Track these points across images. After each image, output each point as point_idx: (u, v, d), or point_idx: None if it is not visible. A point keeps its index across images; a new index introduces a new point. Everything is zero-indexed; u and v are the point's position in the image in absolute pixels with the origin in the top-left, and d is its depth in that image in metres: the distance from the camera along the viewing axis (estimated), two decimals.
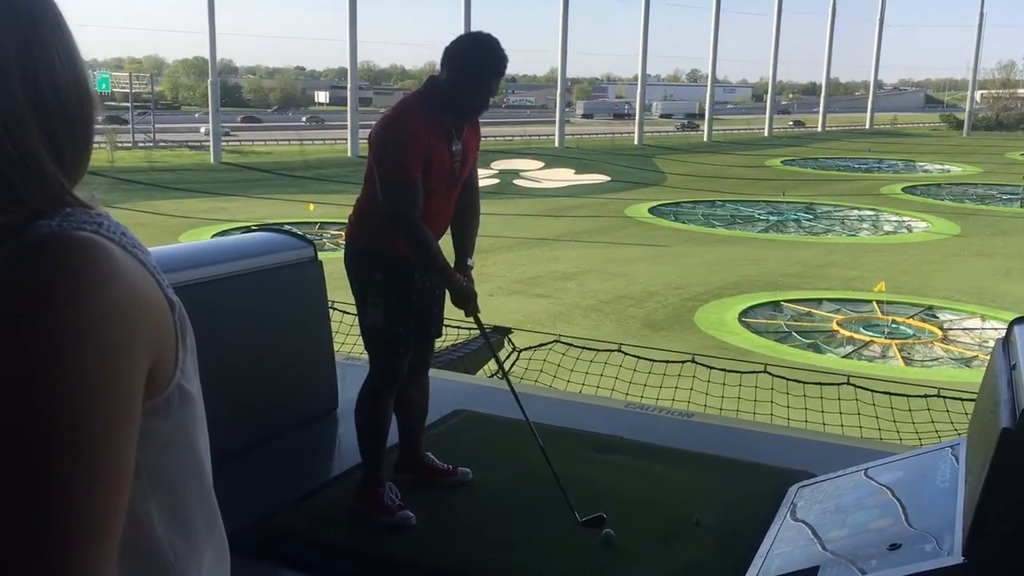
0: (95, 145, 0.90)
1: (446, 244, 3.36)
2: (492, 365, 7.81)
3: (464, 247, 3.49)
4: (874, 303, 19.05)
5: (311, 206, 29.21)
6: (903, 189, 40.34)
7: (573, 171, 44.42)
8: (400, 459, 3.66)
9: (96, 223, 0.81)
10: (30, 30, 0.79)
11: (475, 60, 3.20)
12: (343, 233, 3.50)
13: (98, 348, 0.74)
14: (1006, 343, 2.82)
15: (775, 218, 32.37)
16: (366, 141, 3.49)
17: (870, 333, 17.18)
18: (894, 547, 2.49)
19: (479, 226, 3.56)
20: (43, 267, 0.74)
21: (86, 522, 0.72)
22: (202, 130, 53.04)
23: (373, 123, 3.47)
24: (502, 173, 41.80)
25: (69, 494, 0.71)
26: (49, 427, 0.71)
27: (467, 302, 3.36)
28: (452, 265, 3.34)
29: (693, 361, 7.14)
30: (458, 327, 7.70)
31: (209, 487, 0.94)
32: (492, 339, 7.81)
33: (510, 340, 8.02)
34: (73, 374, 0.72)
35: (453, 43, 3.25)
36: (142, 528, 0.83)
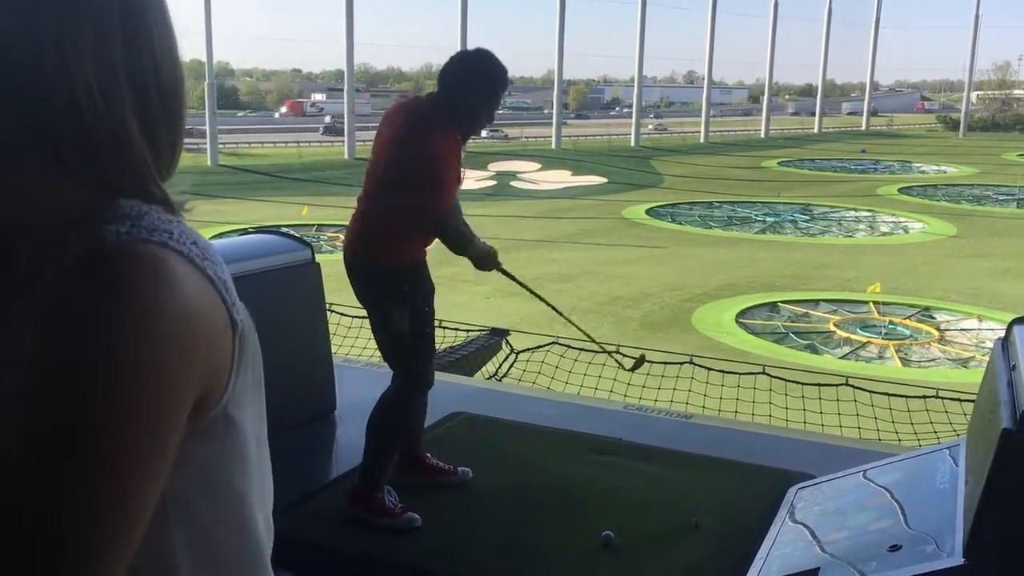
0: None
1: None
2: (490, 367, 7.79)
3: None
4: (871, 304, 19.06)
5: (306, 210, 29.19)
6: (899, 190, 40.37)
7: (570, 173, 44.43)
8: (400, 461, 3.65)
9: (167, 231, 0.76)
10: (138, 5, 0.79)
11: (481, 81, 3.25)
12: (342, 239, 3.53)
13: (142, 380, 0.69)
14: (1005, 343, 2.81)
15: (772, 219, 32.39)
16: (365, 144, 3.52)
17: (867, 334, 17.19)
18: (894, 548, 2.49)
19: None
20: (97, 287, 0.70)
21: (96, 550, 0.69)
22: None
23: (371, 125, 3.48)
24: (499, 175, 41.80)
25: (84, 523, 0.68)
26: (74, 453, 0.67)
27: (491, 262, 3.54)
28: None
29: (691, 362, 7.13)
30: (456, 329, 7.69)
31: (251, 535, 0.86)
32: (485, 343, 7.78)
33: (508, 342, 8.00)
34: (111, 404, 0.68)
35: (455, 64, 3.27)
36: (162, 563, 0.78)
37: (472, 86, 3.22)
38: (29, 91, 0.73)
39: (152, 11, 0.80)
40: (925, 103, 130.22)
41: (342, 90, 50.00)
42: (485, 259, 3.53)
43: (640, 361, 4.51)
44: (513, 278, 3.90)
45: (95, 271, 0.71)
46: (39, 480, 0.68)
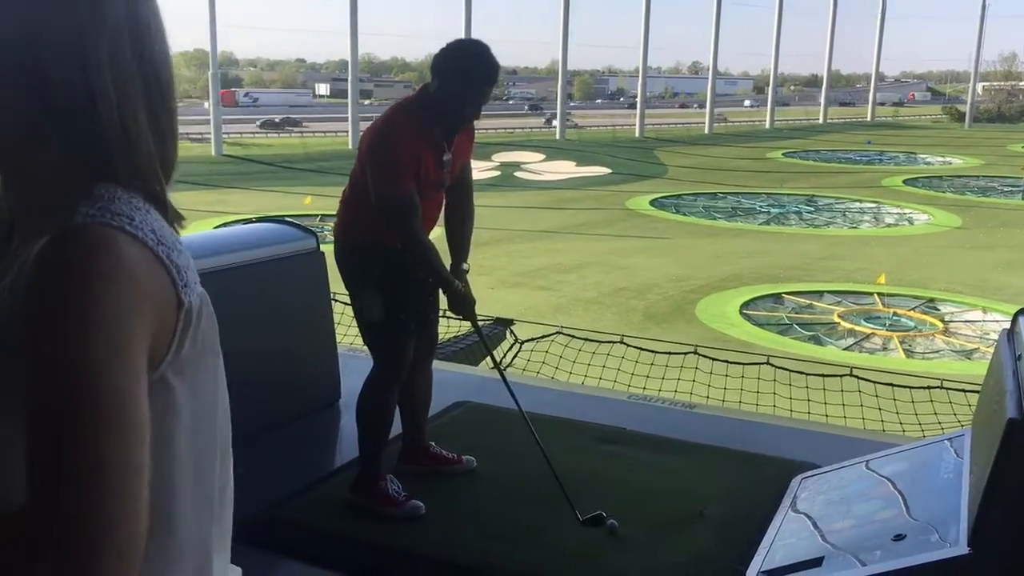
0: None
1: (441, 247, 3.38)
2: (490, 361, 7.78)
3: (459, 251, 3.51)
4: (875, 295, 19.02)
5: (308, 199, 29.17)
6: (904, 181, 40.22)
7: (574, 163, 44.32)
8: (404, 450, 3.66)
9: (129, 216, 0.85)
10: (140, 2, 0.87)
11: (466, 70, 3.20)
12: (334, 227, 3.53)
13: (95, 339, 0.78)
14: (1011, 334, 2.81)
15: (776, 210, 32.30)
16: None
17: (871, 325, 17.15)
18: (898, 538, 2.49)
19: (473, 227, 3.58)
20: (57, 262, 0.80)
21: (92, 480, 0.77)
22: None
23: (374, 115, 3.46)
24: (503, 166, 41.71)
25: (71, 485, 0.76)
26: (47, 402, 0.77)
27: (465, 307, 3.40)
28: (448, 268, 3.37)
29: (695, 353, 7.12)
30: (460, 320, 7.69)
31: (169, 494, 0.91)
32: (490, 333, 7.81)
33: (512, 332, 8.00)
34: (72, 362, 0.77)
35: (442, 52, 3.24)
36: None
37: (454, 75, 3.18)
38: (55, 104, 0.83)
39: (150, 10, 0.89)
40: (929, 94, 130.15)
41: (346, 79, 49.88)
42: (458, 300, 3.39)
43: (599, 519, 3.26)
44: (479, 332, 3.89)
45: (58, 248, 0.81)
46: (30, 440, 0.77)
